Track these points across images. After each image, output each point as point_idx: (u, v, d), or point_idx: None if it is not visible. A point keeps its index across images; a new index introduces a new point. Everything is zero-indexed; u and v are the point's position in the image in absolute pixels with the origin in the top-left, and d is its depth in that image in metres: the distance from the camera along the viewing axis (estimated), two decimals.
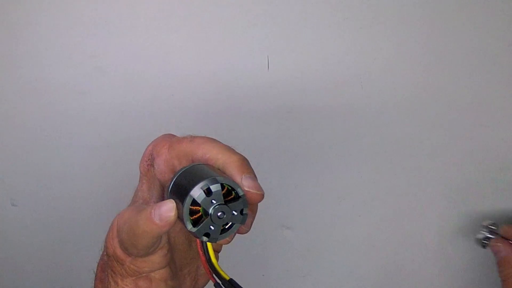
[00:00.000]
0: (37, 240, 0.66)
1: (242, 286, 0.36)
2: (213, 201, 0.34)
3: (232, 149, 0.38)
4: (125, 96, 0.61)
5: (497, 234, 0.62)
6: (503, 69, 0.64)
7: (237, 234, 0.38)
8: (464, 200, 0.67)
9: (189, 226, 0.35)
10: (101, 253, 0.43)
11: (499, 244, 0.60)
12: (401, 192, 0.68)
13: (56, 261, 0.67)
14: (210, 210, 0.34)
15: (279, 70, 0.62)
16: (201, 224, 0.35)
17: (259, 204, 0.38)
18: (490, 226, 0.62)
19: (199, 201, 0.34)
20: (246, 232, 0.39)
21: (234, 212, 0.35)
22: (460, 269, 0.70)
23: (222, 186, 0.35)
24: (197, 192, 0.34)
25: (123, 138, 0.63)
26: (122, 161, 0.64)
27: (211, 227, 0.35)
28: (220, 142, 0.38)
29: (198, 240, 0.37)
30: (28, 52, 0.59)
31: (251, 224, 0.39)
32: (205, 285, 0.45)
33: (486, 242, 0.62)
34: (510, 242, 0.60)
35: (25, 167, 0.63)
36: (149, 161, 0.41)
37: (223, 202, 0.35)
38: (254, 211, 0.39)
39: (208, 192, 0.34)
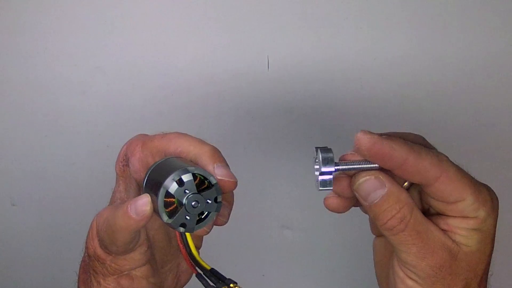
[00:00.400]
0: (37, 240, 0.66)
1: (224, 275, 0.37)
2: (186, 191, 0.35)
3: (203, 141, 0.38)
4: (125, 96, 0.61)
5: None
6: (503, 69, 0.64)
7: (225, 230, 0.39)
8: None
9: (165, 218, 0.35)
10: (82, 254, 0.43)
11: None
12: None
13: (56, 261, 0.67)
14: (184, 200, 0.35)
15: (279, 70, 0.62)
16: (176, 215, 0.35)
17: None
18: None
19: (172, 192, 0.35)
20: (225, 223, 0.39)
21: (208, 200, 0.35)
22: None
23: (194, 176, 0.35)
24: (169, 183, 0.35)
25: (123, 138, 0.63)
26: None
27: (187, 217, 0.35)
28: (191, 136, 0.39)
29: (177, 233, 0.37)
30: (28, 52, 0.59)
31: (229, 215, 0.40)
32: (187, 282, 0.46)
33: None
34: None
35: (25, 167, 0.63)
36: (124, 161, 0.42)
37: (196, 192, 0.35)
38: (230, 202, 0.40)
39: (180, 182, 0.35)
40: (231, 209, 0.40)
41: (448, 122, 0.65)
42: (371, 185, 0.35)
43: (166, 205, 0.35)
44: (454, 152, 0.66)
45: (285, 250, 0.69)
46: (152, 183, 0.37)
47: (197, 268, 0.38)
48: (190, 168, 0.35)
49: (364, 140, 0.34)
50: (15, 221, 0.65)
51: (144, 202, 0.35)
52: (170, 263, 0.44)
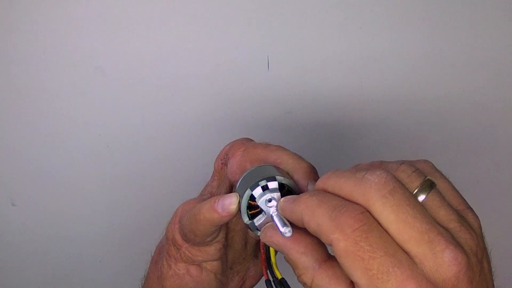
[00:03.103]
0: (37, 240, 0.66)
1: (290, 287, 0.38)
2: (270, 198, 0.36)
3: (302, 157, 0.39)
4: (125, 96, 0.61)
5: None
6: (503, 69, 0.64)
7: None
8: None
9: (245, 219, 0.37)
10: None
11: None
12: None
13: (56, 261, 0.67)
14: (265, 206, 0.36)
15: (279, 70, 0.62)
16: (255, 218, 0.36)
17: None
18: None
19: (255, 195, 0.36)
20: None
21: None
22: None
23: (282, 185, 0.36)
24: (255, 187, 0.36)
25: (123, 138, 0.63)
26: (122, 161, 0.64)
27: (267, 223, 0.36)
28: (292, 151, 0.40)
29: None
30: (28, 52, 0.59)
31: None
32: (252, 287, 0.47)
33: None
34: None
35: (25, 167, 0.63)
36: (223, 160, 0.43)
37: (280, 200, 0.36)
38: None
39: (265, 188, 0.36)
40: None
41: (448, 122, 0.65)
42: (275, 248, 0.35)
43: (250, 207, 0.36)
44: (454, 152, 0.67)
45: None
46: (243, 185, 0.38)
47: (269, 274, 0.39)
48: (278, 177, 0.36)
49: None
50: (15, 221, 0.65)
51: (231, 200, 0.37)
52: (240, 265, 0.46)
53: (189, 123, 0.63)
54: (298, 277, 0.33)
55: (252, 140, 0.43)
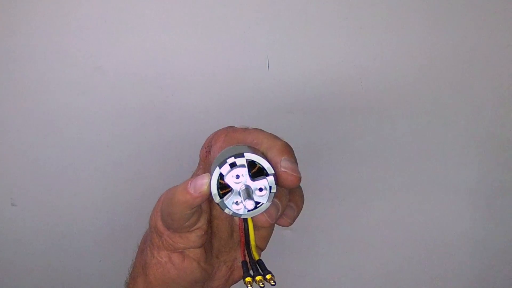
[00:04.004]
0: (37, 240, 0.66)
1: (268, 269, 0.38)
2: (239, 175, 0.36)
3: (278, 137, 0.40)
4: (125, 96, 0.61)
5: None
6: (503, 69, 0.64)
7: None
8: (465, 199, 0.67)
9: (216, 198, 0.36)
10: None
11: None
12: (401, 192, 0.68)
13: (56, 261, 0.67)
14: (235, 184, 0.36)
15: (279, 70, 0.62)
16: (225, 196, 0.36)
17: None
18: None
19: (224, 173, 0.36)
20: (289, 225, 0.41)
21: (262, 189, 0.36)
22: (462, 269, 0.70)
23: (252, 163, 0.36)
24: (222, 165, 0.36)
25: (123, 138, 0.63)
26: (122, 161, 0.64)
27: (237, 201, 0.36)
28: (269, 132, 0.40)
29: (240, 220, 0.39)
30: (28, 52, 0.59)
31: (294, 218, 0.41)
32: (240, 279, 0.46)
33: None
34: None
35: (25, 167, 0.63)
36: (207, 147, 0.43)
37: (249, 177, 0.36)
38: (298, 205, 0.41)
39: (232, 165, 0.36)
40: (298, 213, 0.41)
41: (448, 121, 0.65)
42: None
43: (222, 187, 0.36)
44: (454, 152, 0.67)
45: (285, 250, 0.69)
46: (214, 165, 0.38)
47: (247, 256, 0.39)
48: (246, 154, 0.36)
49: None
50: (15, 221, 0.65)
51: (203, 181, 0.37)
52: (226, 254, 0.45)
53: (189, 123, 0.63)
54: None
55: (233, 127, 0.43)
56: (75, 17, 0.59)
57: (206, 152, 0.43)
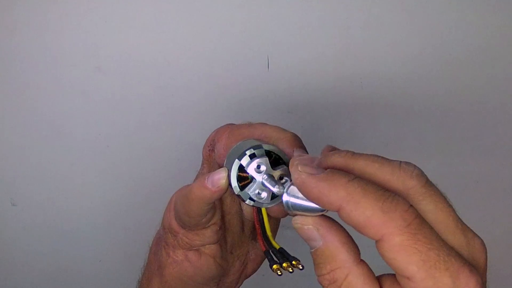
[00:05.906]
0: (37, 240, 0.66)
1: (290, 254, 0.38)
2: (259, 166, 0.36)
3: (286, 129, 0.40)
4: (125, 96, 0.61)
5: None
6: (503, 69, 0.64)
7: None
8: (464, 200, 0.67)
9: (236, 190, 0.36)
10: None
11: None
12: None
13: (56, 261, 0.67)
14: (255, 174, 0.36)
15: (279, 70, 0.62)
16: (246, 188, 0.36)
17: None
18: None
19: (244, 164, 0.36)
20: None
21: (283, 180, 0.36)
22: None
23: (270, 154, 0.36)
24: (242, 157, 0.36)
25: (123, 138, 0.63)
26: (122, 161, 0.64)
27: (258, 192, 0.36)
28: (275, 125, 0.40)
29: (254, 210, 0.39)
30: (28, 52, 0.59)
31: None
32: (254, 272, 0.47)
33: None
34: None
35: (25, 167, 0.63)
36: (210, 146, 0.43)
37: (269, 167, 0.36)
38: None
39: (252, 156, 0.36)
40: None
41: (448, 121, 0.65)
42: (307, 234, 0.30)
43: (240, 179, 0.36)
44: (454, 151, 0.67)
45: (287, 249, 0.69)
46: (230, 159, 0.38)
47: (265, 243, 0.39)
48: (264, 145, 0.36)
49: (295, 174, 0.29)
50: (15, 221, 0.65)
51: (220, 175, 0.37)
52: (239, 249, 0.46)
53: (189, 123, 0.63)
54: (328, 272, 0.29)
55: (235, 124, 0.44)
56: (75, 17, 0.59)
57: (209, 150, 0.44)
